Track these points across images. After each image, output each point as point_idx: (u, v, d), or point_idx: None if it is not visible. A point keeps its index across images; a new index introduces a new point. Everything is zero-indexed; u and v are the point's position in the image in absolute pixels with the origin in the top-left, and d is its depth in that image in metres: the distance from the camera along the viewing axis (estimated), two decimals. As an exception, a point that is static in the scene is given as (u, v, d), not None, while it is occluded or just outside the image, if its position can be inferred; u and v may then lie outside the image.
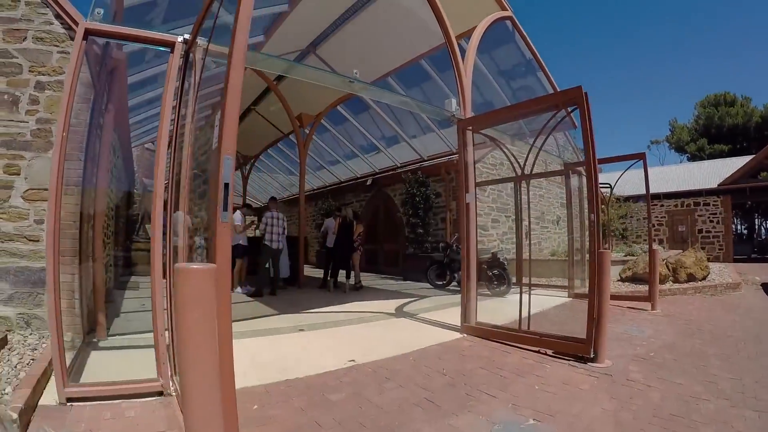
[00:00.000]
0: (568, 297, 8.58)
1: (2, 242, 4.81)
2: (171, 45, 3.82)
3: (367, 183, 13.85)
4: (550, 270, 11.09)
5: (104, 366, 3.94)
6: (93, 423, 2.86)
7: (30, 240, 4.86)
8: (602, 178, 21.71)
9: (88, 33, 3.61)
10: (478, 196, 12.40)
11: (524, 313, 4.99)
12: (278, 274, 8.86)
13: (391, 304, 7.51)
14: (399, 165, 13.19)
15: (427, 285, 10.10)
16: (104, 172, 5.33)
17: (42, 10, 5.03)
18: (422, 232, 11.25)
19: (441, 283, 9.93)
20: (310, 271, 13.01)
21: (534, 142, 5.06)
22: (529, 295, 5.05)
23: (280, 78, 10.69)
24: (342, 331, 5.76)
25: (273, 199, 9.11)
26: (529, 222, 5.56)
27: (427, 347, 4.91)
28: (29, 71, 4.97)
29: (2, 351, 3.97)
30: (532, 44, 9.78)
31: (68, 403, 3.13)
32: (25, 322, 4.65)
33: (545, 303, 7.82)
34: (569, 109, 4.63)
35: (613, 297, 7.81)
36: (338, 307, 7.23)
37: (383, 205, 13.94)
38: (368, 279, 12.01)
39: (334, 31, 8.75)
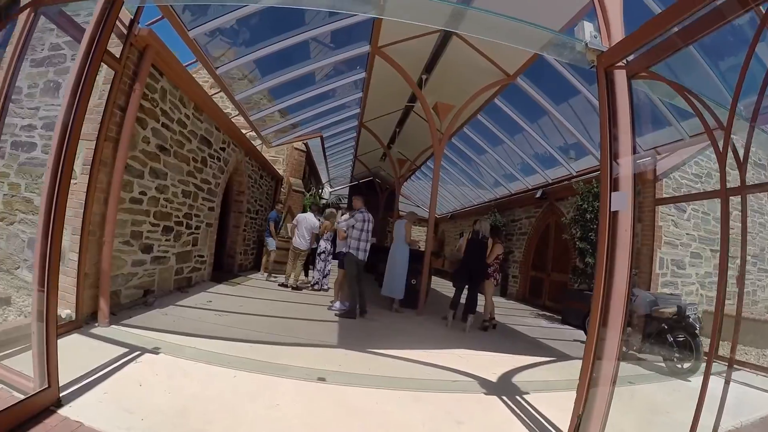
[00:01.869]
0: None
1: (35, 215, 4.73)
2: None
3: (536, 195, 10.82)
4: (765, 337, 6.34)
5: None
6: None
7: (48, 215, 4.54)
8: None
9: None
10: (675, 219, 8.21)
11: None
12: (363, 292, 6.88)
13: (504, 364, 4.86)
14: (575, 173, 9.82)
15: (584, 335, 6.81)
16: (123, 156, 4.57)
17: (90, 3, 4.80)
18: (592, 262, 7.84)
19: (605, 339, 6.56)
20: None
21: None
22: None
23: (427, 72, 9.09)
24: (373, 396, 3.53)
25: (360, 194, 7.26)
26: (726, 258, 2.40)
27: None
28: (71, 59, 4.90)
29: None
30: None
31: None
32: (39, 291, 4.42)
33: (749, 402, 4.26)
34: None
35: None
36: (425, 354, 4.90)
37: (554, 224, 10.69)
38: (519, 315, 9.11)
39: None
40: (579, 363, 5.24)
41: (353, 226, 6.54)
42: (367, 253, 6.63)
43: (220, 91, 7.23)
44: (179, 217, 6.28)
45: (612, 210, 2.84)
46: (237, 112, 8.30)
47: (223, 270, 9.01)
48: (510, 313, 9.31)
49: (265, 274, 9.45)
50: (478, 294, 7.00)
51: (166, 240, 6.01)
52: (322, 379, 3.78)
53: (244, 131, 9.36)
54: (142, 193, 5.33)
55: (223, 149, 7.63)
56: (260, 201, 10.70)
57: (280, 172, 11.80)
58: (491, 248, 6.97)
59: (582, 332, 6.94)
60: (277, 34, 6.75)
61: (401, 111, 11.92)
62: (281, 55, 7.19)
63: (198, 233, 7.00)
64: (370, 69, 8.67)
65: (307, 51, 7.71)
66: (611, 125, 2.89)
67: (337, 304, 6.92)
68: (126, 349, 3.83)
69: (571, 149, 10.21)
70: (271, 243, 9.41)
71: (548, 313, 9.68)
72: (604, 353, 2.76)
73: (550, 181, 10.66)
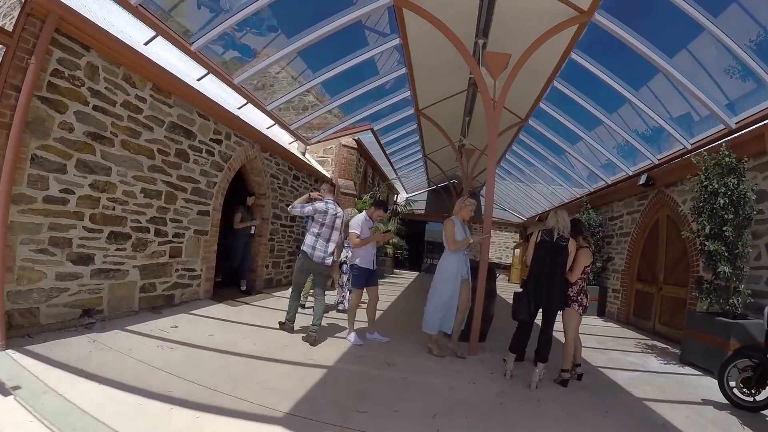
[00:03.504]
0: None
1: None
2: None
3: (640, 182, 7.71)
4: None
5: None
6: None
7: None
8: None
9: None
10: None
11: None
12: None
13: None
14: (690, 146, 6.60)
15: (719, 394, 3.91)
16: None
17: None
18: (727, 272, 4.78)
19: (749, 401, 3.69)
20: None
21: None
22: None
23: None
24: None
25: (329, 183, 5.43)
26: None
27: None
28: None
29: None
30: None
31: None
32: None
33: None
34: None
35: None
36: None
37: (665, 218, 7.46)
38: (619, 348, 6.25)
39: None
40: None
41: (312, 218, 4.90)
42: (329, 257, 4.95)
43: (208, 74, 5.84)
44: (141, 222, 4.92)
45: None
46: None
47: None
48: (606, 343, 6.44)
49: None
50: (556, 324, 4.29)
51: (118, 249, 4.66)
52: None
53: (268, 127, 7.96)
54: (67, 191, 4.09)
55: (217, 141, 6.20)
56: (297, 206, 9.13)
57: (329, 173, 10.23)
58: (573, 255, 4.22)
59: (714, 383, 4.06)
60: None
61: (465, 94, 9.60)
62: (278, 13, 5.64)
63: (180, 242, 5.61)
64: (402, 31, 6.63)
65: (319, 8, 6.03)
66: None
67: (352, 337, 4.98)
68: (-24, 385, 2.80)
69: (682, 121, 7.02)
70: None
71: (660, 343, 6.54)
72: None
73: (657, 162, 7.49)
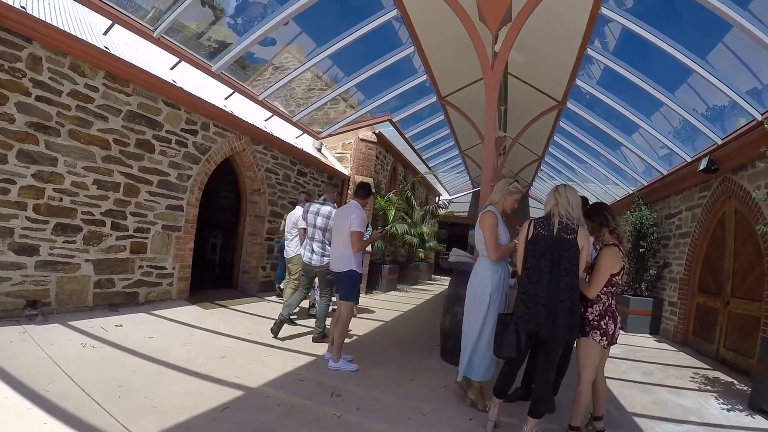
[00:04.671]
0: None
1: None
2: None
3: (699, 168, 6.23)
4: None
5: None
6: None
7: None
8: None
9: None
10: None
11: None
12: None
13: None
14: (761, 116, 5.07)
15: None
16: None
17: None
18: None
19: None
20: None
21: None
22: None
23: None
24: None
25: (329, 184, 5.02)
26: None
27: None
28: None
29: None
30: None
31: None
32: None
33: None
34: None
35: None
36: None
37: (732, 213, 5.91)
38: (670, 380, 4.91)
39: None
40: None
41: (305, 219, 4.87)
42: (316, 256, 4.71)
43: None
44: (94, 215, 4.71)
45: None
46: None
47: (236, 288, 7.27)
48: (654, 374, 5.02)
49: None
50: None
51: (67, 242, 4.48)
52: None
53: (266, 119, 7.57)
54: (8, 181, 4.01)
55: (191, 131, 5.86)
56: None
57: (347, 169, 9.63)
58: (596, 256, 2.94)
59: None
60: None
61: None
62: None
63: (144, 238, 5.33)
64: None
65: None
66: None
67: (327, 357, 4.16)
68: None
69: (748, 96, 5.50)
70: None
71: (724, 375, 5.05)
72: None
73: (721, 142, 5.98)
